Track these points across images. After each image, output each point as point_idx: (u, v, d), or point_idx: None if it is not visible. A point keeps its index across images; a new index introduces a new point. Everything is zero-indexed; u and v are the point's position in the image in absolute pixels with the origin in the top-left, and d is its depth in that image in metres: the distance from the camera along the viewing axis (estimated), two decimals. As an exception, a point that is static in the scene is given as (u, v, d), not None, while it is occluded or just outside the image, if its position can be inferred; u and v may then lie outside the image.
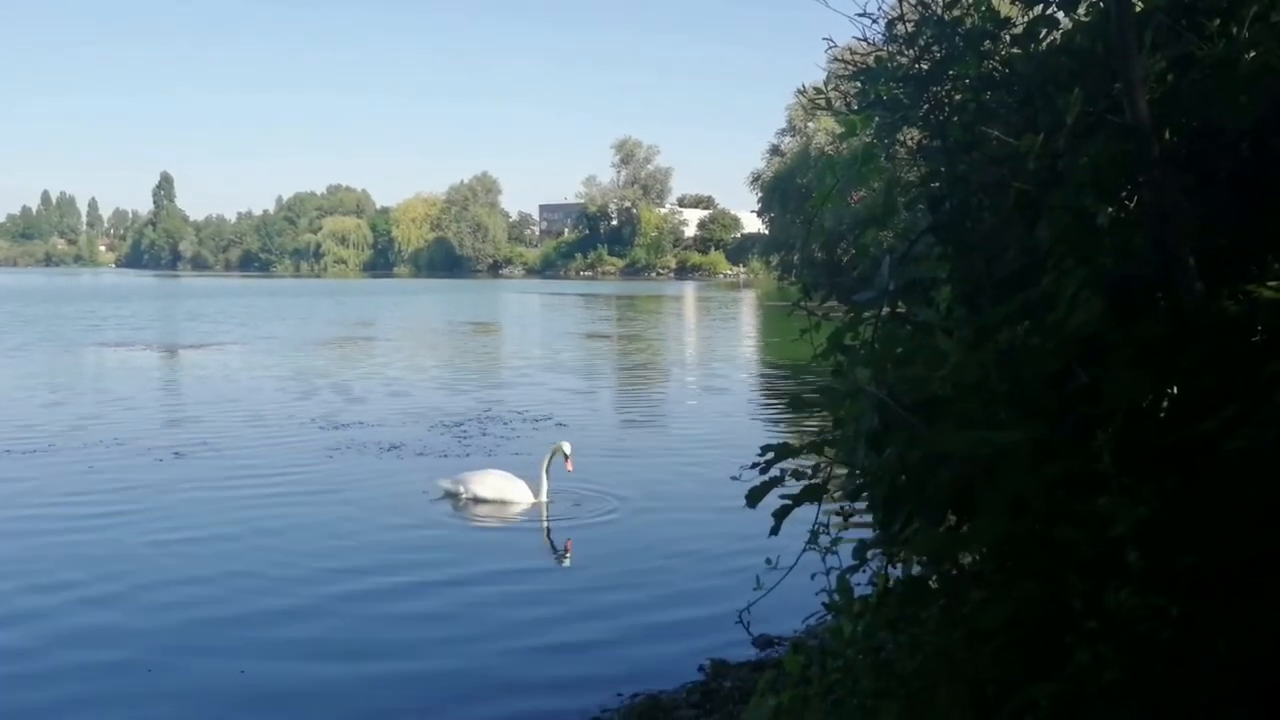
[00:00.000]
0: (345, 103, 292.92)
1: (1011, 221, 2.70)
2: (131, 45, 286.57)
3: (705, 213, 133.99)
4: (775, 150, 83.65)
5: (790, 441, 2.82)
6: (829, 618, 3.02)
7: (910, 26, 3.05)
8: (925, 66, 3.00)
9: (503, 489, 10.71)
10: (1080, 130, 2.53)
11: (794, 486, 2.76)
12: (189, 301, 61.04)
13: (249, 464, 12.82)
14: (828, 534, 2.93)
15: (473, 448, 13.78)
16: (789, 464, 2.80)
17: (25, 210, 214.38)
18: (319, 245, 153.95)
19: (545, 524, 10.16)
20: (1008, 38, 2.96)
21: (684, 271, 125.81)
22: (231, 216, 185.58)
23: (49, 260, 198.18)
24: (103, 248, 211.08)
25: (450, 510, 10.52)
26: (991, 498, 2.30)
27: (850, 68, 3.20)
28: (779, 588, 2.98)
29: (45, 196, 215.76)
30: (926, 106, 3.01)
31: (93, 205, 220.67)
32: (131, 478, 11.95)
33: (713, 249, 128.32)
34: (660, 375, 25.11)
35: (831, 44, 3.46)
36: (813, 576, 2.96)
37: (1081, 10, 2.93)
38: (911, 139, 3.23)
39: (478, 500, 10.65)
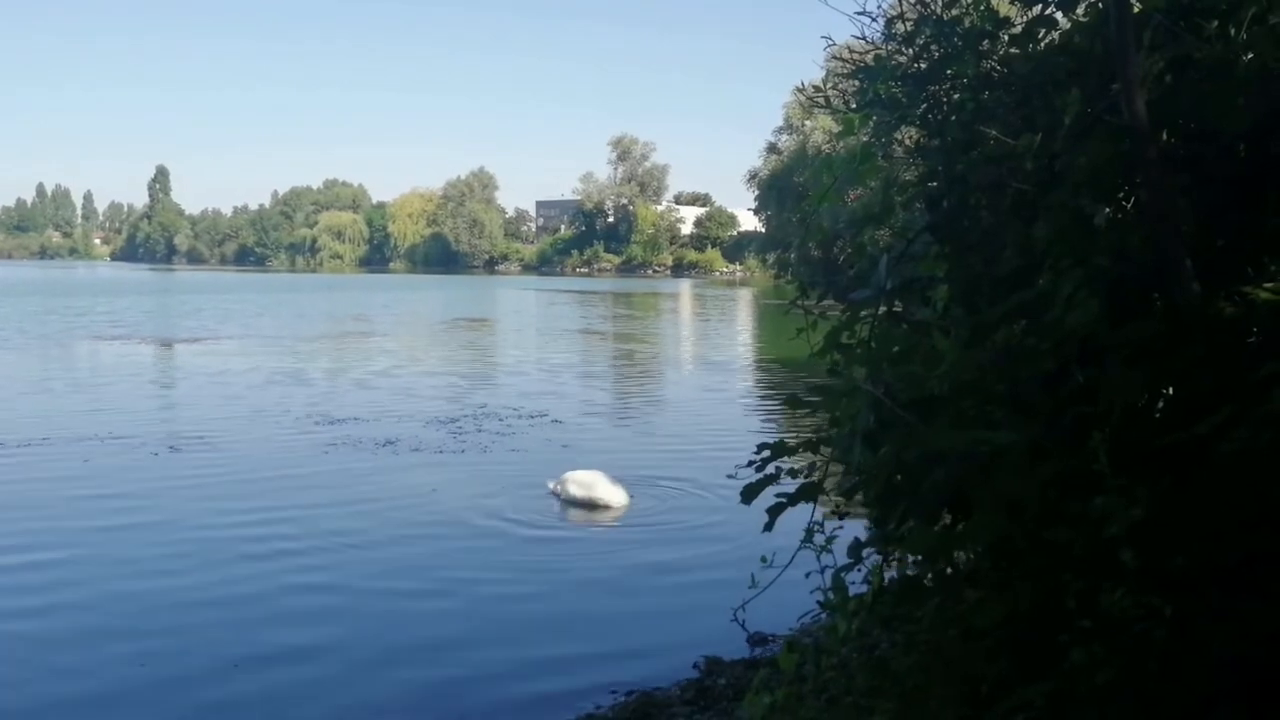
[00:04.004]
0: (342, 97, 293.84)
1: (1009, 221, 2.70)
2: (129, 38, 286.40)
3: (702, 210, 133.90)
4: (772, 148, 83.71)
5: (786, 439, 2.82)
6: (824, 616, 3.03)
7: (909, 25, 3.05)
8: (924, 65, 3.01)
9: (597, 488, 10.41)
10: (1078, 130, 2.54)
11: (790, 484, 2.76)
12: (185, 296, 60.88)
13: (244, 459, 12.80)
14: (823, 532, 2.93)
15: (468, 444, 13.77)
16: (785, 462, 2.80)
17: (20, 202, 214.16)
18: (315, 240, 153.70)
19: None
20: (1006, 37, 2.96)
21: (680, 269, 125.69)
22: (227, 210, 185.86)
23: (44, 253, 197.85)
24: (98, 241, 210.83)
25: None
26: (986, 497, 2.30)
27: (849, 66, 3.20)
28: (774, 585, 2.98)
29: (40, 189, 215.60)
30: (925, 105, 3.02)
31: (88, 198, 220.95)
32: (128, 472, 11.91)
33: (709, 246, 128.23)
34: (656, 372, 25.11)
35: (830, 42, 3.48)
36: (808, 575, 2.96)
37: (1080, 10, 2.93)
38: (909, 138, 3.24)
39: (573, 502, 10.38)
